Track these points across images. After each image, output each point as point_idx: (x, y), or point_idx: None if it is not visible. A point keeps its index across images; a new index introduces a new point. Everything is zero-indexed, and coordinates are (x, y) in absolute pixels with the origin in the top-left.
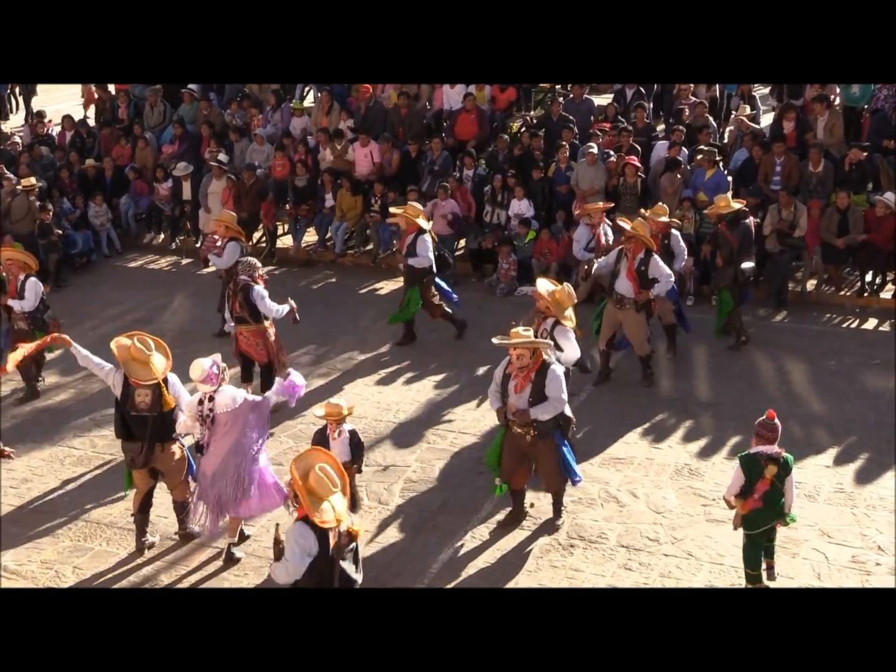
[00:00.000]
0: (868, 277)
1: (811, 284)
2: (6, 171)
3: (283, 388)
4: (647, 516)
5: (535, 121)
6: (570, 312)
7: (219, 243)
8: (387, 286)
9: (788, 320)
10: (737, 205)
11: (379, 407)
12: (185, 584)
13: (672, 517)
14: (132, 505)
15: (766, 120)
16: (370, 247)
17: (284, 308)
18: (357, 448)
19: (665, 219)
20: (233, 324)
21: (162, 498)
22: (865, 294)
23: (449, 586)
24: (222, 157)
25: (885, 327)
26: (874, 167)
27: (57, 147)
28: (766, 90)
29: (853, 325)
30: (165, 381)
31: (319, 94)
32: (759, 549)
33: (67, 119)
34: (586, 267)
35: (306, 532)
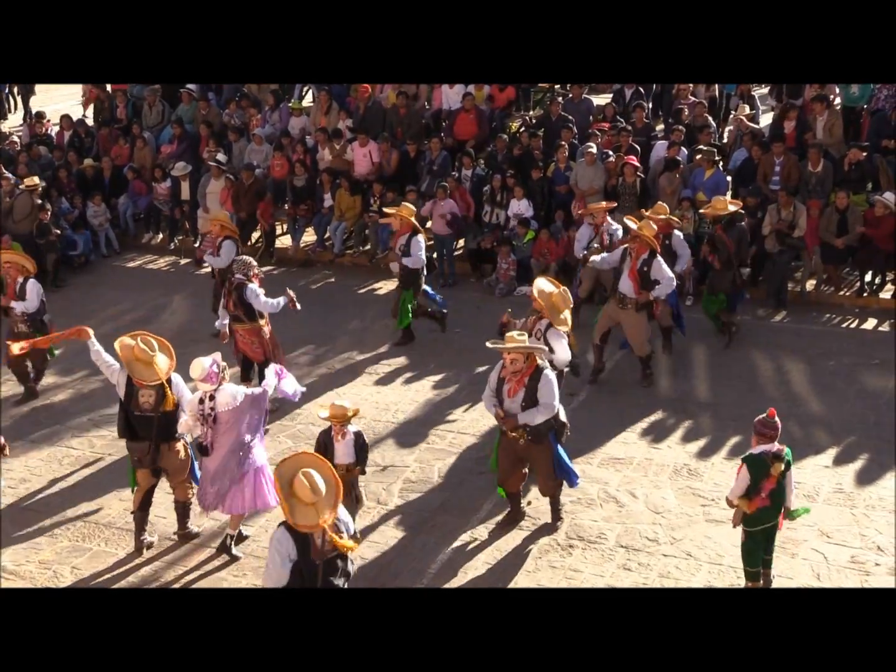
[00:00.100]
0: (867, 277)
1: (810, 284)
2: (5, 170)
3: (276, 377)
4: (646, 516)
5: (534, 121)
6: (565, 316)
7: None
8: (385, 286)
9: (788, 320)
10: (733, 206)
11: (378, 407)
12: (183, 584)
13: (671, 517)
14: (132, 502)
15: (766, 120)
16: (369, 247)
17: (280, 300)
18: (362, 450)
19: (664, 216)
20: (225, 321)
21: (161, 498)
22: (865, 294)
23: (448, 586)
24: (221, 156)
25: (885, 327)
26: (873, 167)
27: (55, 147)
28: (766, 90)
29: (852, 326)
30: (169, 381)
31: (318, 94)
32: (758, 545)
33: (66, 119)
34: (585, 253)
35: (284, 537)
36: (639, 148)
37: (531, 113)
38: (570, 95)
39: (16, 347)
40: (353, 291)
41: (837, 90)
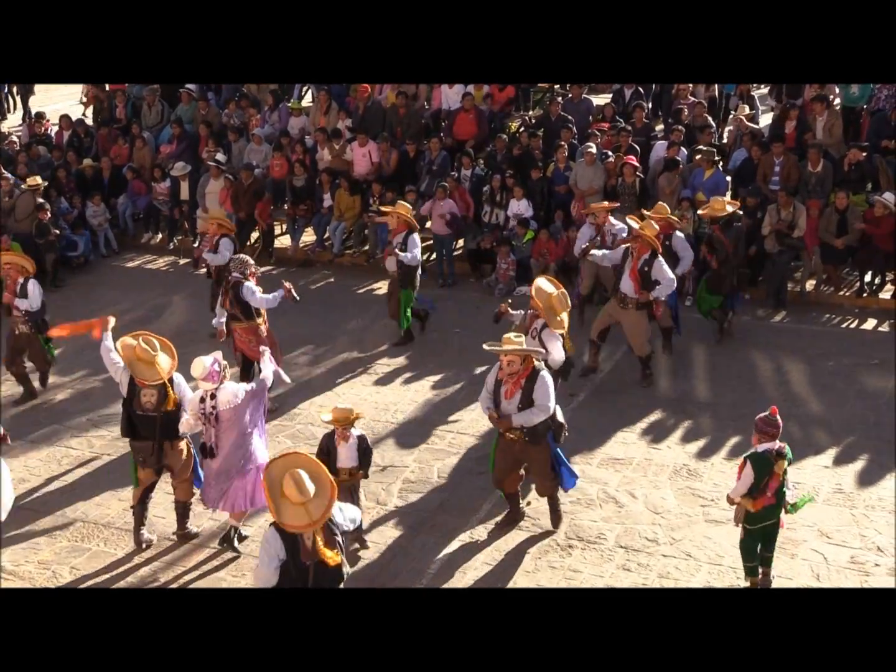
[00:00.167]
0: (867, 278)
1: (810, 285)
2: (4, 170)
3: (269, 366)
4: (645, 517)
5: (533, 121)
6: (562, 318)
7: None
8: (384, 286)
9: (787, 320)
10: (731, 207)
11: (377, 407)
12: (182, 584)
13: (670, 518)
14: (132, 497)
15: (765, 120)
16: (368, 247)
17: (277, 294)
18: (365, 454)
19: (664, 216)
20: (222, 319)
21: (161, 498)
22: (864, 294)
23: (447, 586)
24: (220, 156)
25: (884, 327)
26: (873, 167)
27: (54, 147)
28: (766, 90)
29: (852, 326)
30: (171, 380)
31: (317, 94)
32: (756, 541)
33: (65, 119)
34: (585, 245)
35: (274, 537)
36: (638, 148)
37: (531, 113)
38: (570, 95)
39: (56, 332)
40: (353, 291)
41: (837, 90)
